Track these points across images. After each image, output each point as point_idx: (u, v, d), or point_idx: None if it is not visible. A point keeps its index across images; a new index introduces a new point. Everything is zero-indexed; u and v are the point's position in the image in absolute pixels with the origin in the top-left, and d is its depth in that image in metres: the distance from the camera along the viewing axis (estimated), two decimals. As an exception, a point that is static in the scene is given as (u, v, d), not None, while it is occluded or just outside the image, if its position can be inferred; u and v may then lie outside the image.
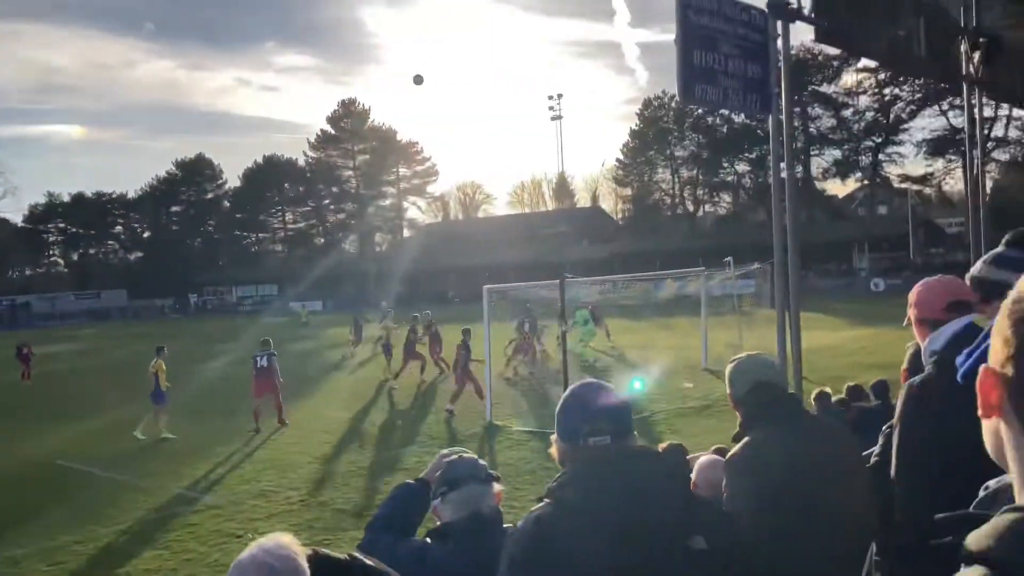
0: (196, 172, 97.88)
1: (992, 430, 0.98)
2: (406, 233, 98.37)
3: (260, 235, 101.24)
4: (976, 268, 2.79)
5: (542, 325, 22.27)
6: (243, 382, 22.30)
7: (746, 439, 2.95)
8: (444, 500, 2.63)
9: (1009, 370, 0.91)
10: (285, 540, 2.24)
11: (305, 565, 2.19)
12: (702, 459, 3.80)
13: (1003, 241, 2.92)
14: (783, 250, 6.03)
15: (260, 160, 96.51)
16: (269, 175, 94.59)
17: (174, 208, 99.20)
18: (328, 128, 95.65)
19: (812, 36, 6.47)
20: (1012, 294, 0.96)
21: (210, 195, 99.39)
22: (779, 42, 6.02)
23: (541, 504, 2.05)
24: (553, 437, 2.13)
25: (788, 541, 2.71)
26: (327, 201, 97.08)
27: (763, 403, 2.94)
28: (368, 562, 2.52)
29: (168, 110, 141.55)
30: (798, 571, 2.77)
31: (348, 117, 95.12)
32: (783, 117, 6.12)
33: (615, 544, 1.85)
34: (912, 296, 2.85)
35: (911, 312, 2.84)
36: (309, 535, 8.66)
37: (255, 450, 13.58)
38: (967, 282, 2.82)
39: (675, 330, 24.69)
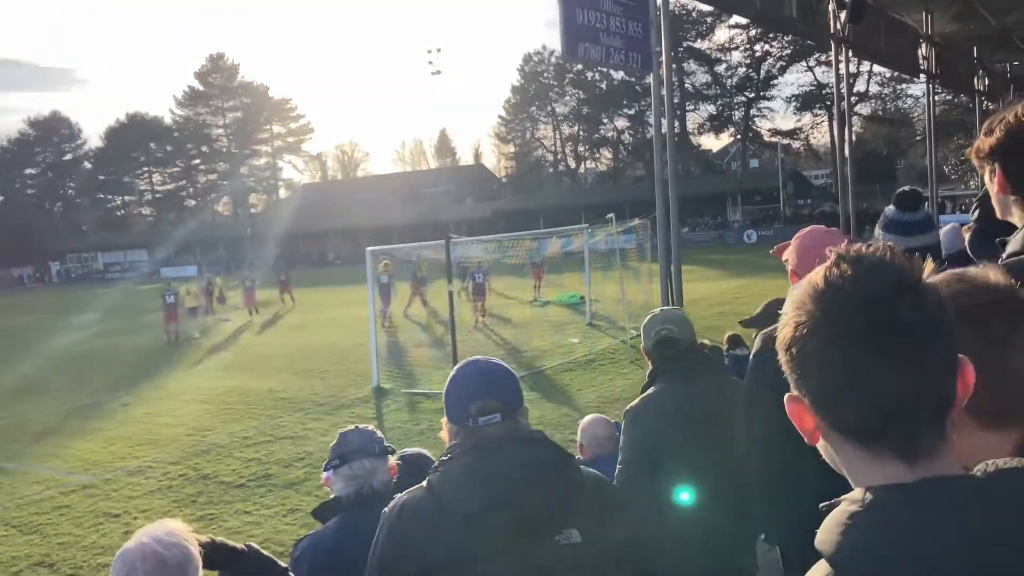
0: (52, 131, 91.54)
1: (823, 449, 1.00)
2: (282, 194, 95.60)
3: (126, 198, 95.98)
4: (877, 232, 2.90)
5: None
6: (109, 355, 21.29)
7: (648, 392, 3.08)
8: (336, 473, 2.57)
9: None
10: (175, 526, 2.03)
11: (196, 552, 2.00)
12: (586, 418, 3.89)
13: (892, 201, 2.99)
14: (664, 203, 6.11)
15: (123, 118, 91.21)
16: (133, 134, 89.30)
17: (28, 171, 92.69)
18: (196, 84, 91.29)
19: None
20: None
21: (69, 156, 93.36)
22: (659, 1, 6.02)
23: (415, 487, 1.95)
24: (443, 420, 2.03)
25: (672, 490, 2.87)
26: (197, 161, 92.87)
27: (666, 357, 3.06)
28: (264, 553, 2.39)
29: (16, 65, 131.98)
30: (681, 522, 2.87)
31: (216, 72, 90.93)
32: (663, 74, 6.15)
33: (477, 536, 1.76)
34: (795, 243, 2.79)
35: (791, 258, 2.76)
36: (193, 510, 8.33)
37: (127, 426, 12.93)
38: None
39: (562, 287, 24.97)
